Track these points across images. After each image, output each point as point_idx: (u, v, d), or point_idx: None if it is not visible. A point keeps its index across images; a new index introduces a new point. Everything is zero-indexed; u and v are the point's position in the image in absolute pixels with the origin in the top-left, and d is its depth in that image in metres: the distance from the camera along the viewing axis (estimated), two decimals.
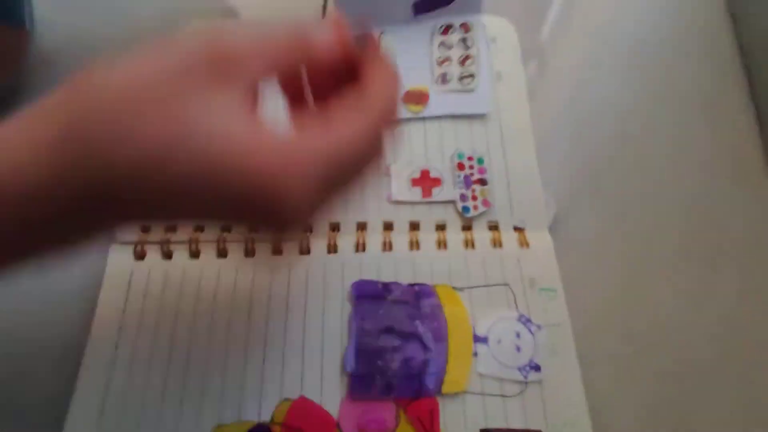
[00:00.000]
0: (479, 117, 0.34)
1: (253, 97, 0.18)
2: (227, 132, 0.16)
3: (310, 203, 0.17)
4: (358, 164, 0.18)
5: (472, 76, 0.35)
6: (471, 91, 0.35)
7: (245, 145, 0.16)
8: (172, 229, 0.31)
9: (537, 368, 0.27)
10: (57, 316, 0.29)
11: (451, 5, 0.36)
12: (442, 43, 0.36)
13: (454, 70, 0.35)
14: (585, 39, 0.39)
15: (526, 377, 0.26)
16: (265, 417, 0.26)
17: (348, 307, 0.28)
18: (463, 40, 0.36)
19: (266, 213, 0.17)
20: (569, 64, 0.38)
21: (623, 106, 0.36)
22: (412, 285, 0.29)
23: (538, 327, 0.27)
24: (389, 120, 0.19)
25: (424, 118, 0.34)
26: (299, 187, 0.17)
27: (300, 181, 0.17)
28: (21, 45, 0.32)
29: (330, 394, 0.26)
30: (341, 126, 0.18)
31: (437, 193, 0.32)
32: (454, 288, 0.29)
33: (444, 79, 0.35)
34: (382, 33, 0.36)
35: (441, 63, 0.36)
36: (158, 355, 0.28)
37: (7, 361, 0.28)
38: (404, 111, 0.34)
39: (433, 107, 0.34)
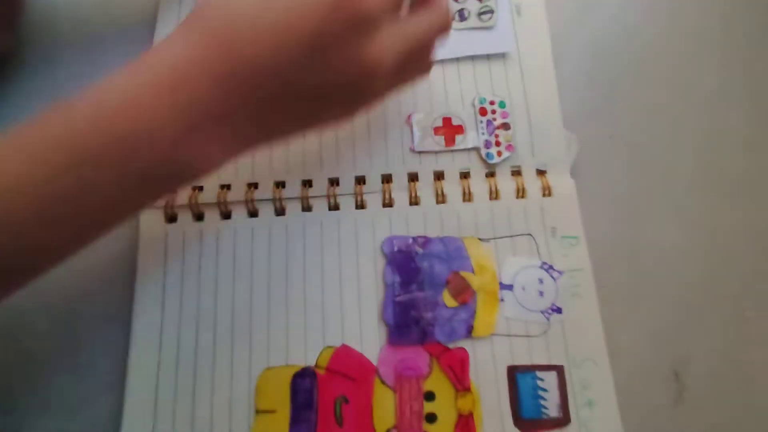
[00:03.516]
0: (499, 57, 0.33)
1: None
2: None
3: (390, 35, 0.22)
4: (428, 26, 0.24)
5: (491, 11, 0.33)
6: (490, 28, 0.33)
7: None
8: (199, 188, 0.31)
9: (558, 311, 0.29)
10: (100, 282, 0.30)
11: None
12: None
13: (471, 5, 0.34)
14: None
15: (548, 319, 0.29)
16: (311, 362, 0.29)
17: (381, 260, 0.30)
18: None
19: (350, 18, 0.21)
20: None
21: (638, 37, 0.35)
22: (441, 239, 0.30)
23: (560, 273, 0.29)
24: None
25: (442, 62, 0.33)
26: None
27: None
28: (18, 9, 0.30)
29: (369, 342, 0.29)
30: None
31: (460, 141, 0.32)
32: (480, 239, 0.30)
33: (462, 16, 0.33)
34: None
35: None
36: (204, 311, 0.29)
37: (61, 323, 0.30)
38: None
39: (452, 47, 0.33)
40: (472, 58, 0.33)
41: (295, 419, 0.27)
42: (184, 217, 0.31)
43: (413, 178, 0.32)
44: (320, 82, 0.22)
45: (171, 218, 0.31)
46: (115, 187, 0.21)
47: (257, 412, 0.27)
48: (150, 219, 0.30)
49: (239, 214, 0.31)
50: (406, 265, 0.29)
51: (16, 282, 0.22)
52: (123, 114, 0.20)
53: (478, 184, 0.31)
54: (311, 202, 0.31)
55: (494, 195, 0.31)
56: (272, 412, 0.27)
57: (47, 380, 0.29)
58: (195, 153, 0.21)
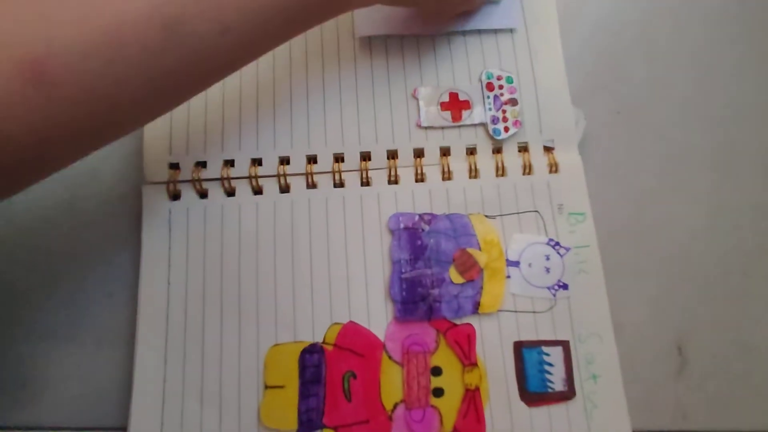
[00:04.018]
0: (507, 32, 0.33)
1: None
2: None
3: None
4: None
5: None
6: (498, 2, 0.33)
7: None
8: (202, 164, 0.31)
9: (565, 287, 0.29)
10: (105, 261, 0.30)
11: None
12: None
13: None
14: None
15: (554, 295, 0.29)
16: (318, 338, 0.29)
17: (387, 237, 0.30)
18: None
19: None
20: None
21: (646, 11, 0.35)
22: (447, 215, 0.30)
23: (566, 249, 0.29)
24: None
25: (449, 35, 0.32)
26: None
27: None
28: None
29: (376, 319, 0.29)
30: None
31: (467, 116, 0.31)
32: (486, 216, 0.30)
33: None
34: None
35: None
36: (210, 288, 0.29)
37: (66, 303, 0.30)
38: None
39: (458, 21, 0.32)
40: (479, 32, 0.33)
41: (304, 394, 0.27)
42: (188, 195, 0.30)
43: (419, 154, 0.31)
44: None
45: (175, 196, 0.30)
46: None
47: (266, 387, 0.27)
48: (154, 197, 0.30)
49: (243, 191, 0.30)
50: (413, 241, 0.29)
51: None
52: None
53: (485, 161, 0.31)
54: (316, 178, 0.31)
55: (501, 171, 0.31)
56: (281, 387, 0.27)
57: (53, 355, 0.29)
58: None
